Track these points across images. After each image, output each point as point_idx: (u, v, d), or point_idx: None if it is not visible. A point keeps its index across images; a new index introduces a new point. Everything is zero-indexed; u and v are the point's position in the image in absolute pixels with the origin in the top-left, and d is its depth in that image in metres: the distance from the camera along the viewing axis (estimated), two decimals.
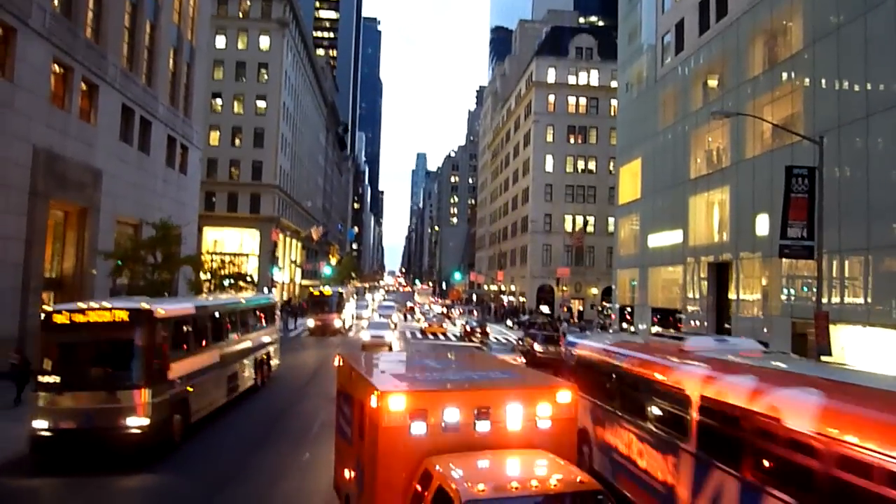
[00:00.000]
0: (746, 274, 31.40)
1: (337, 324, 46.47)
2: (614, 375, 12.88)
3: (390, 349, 35.32)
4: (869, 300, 23.12)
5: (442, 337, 50.21)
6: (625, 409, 12.23)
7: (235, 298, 24.16)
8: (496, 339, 49.54)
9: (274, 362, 26.02)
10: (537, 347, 33.86)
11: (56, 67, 27.18)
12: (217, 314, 19.49)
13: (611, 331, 45.71)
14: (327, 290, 50.89)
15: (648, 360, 11.90)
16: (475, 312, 74.85)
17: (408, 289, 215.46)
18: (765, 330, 29.32)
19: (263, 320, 25.01)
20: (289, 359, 30.99)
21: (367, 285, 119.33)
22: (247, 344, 22.09)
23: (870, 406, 7.08)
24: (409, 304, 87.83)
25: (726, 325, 32.90)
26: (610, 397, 12.97)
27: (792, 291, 27.81)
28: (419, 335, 50.57)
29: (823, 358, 18.05)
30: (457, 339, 47.59)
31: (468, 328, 48.54)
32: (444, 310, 75.80)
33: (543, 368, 22.70)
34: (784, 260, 25.07)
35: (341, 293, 49.43)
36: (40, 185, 25.62)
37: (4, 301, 23.90)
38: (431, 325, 55.48)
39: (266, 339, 24.95)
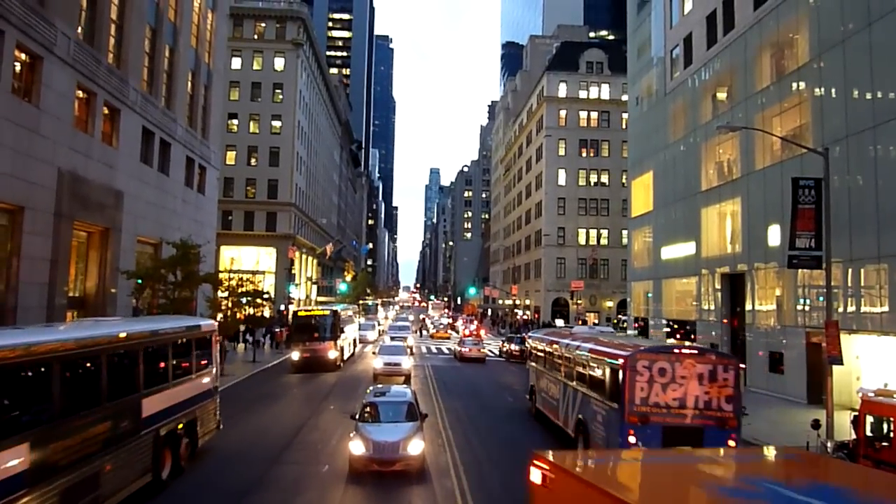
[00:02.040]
0: (760, 285, 31.47)
1: (331, 355, 34.62)
2: (542, 351, 22.90)
3: (408, 380, 29.91)
4: (885, 309, 23.19)
5: (447, 343, 57.88)
6: (547, 368, 21.85)
7: (108, 328, 13.33)
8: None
9: (209, 427, 16.35)
10: (514, 347, 44.88)
11: (80, 93, 28.03)
12: (33, 369, 9.92)
13: None
14: (319, 309, 38.95)
15: (551, 339, 22.12)
16: (475, 322, 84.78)
17: (423, 304, 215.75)
18: (783, 340, 29.39)
19: (182, 364, 15.03)
20: (247, 418, 21.23)
21: (379, 301, 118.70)
22: (132, 412, 12.47)
23: (607, 346, 16.46)
24: (422, 316, 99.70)
25: (741, 336, 32.96)
26: (541, 363, 22.74)
27: (807, 301, 27.88)
28: (433, 349, 52.62)
29: (835, 367, 18.18)
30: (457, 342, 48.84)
31: (466, 332, 60.40)
32: (450, 320, 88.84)
33: (517, 360, 41.45)
34: (798, 270, 25.22)
35: (337, 313, 36.98)
36: (64, 207, 26.36)
37: (32, 320, 24.51)
38: (438, 331, 69.72)
39: (190, 394, 15.04)
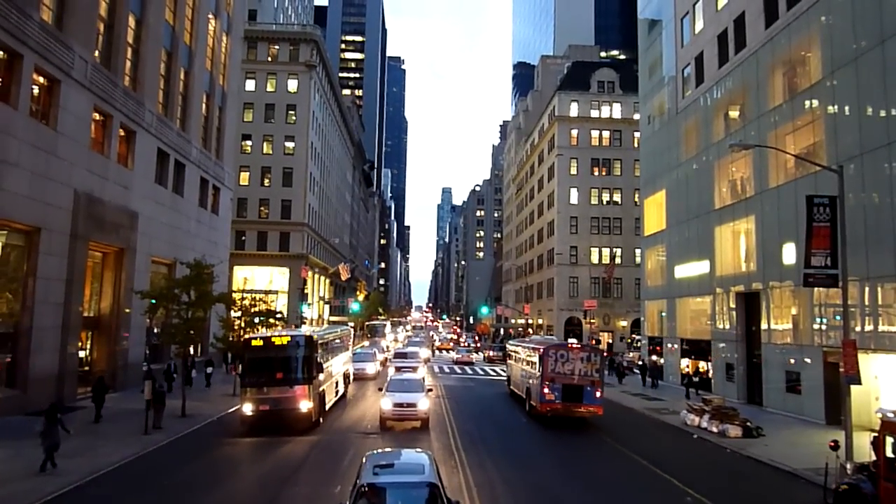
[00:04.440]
0: (776, 303, 31.14)
1: (303, 407, 22.85)
2: (514, 351, 34.69)
3: (425, 424, 23.76)
4: None
5: (450, 352, 72.42)
6: (515, 362, 33.83)
7: None
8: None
9: None
10: (493, 353, 63.81)
11: (96, 115, 28.47)
12: None
13: (638, 361, 46.54)
14: (282, 335, 25.16)
15: (517, 344, 34.87)
16: (476, 337, 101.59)
17: (436, 323, 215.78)
18: (800, 360, 28.98)
19: None
20: None
21: (388, 321, 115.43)
22: None
23: (537, 344, 28.76)
24: (431, 333, 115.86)
25: (757, 355, 32.57)
26: (513, 360, 34.79)
27: (823, 320, 27.53)
28: (445, 368, 52.91)
29: (853, 387, 17.88)
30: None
31: (467, 344, 79.62)
32: (454, 336, 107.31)
33: (495, 361, 59.46)
34: (814, 288, 24.96)
35: (312, 340, 24.27)
36: (80, 228, 26.66)
37: (46, 340, 24.73)
38: (443, 343, 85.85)
39: None
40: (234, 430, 22.96)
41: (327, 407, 26.66)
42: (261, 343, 23.86)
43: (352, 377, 37.20)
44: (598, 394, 25.26)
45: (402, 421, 23.82)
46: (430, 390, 27.51)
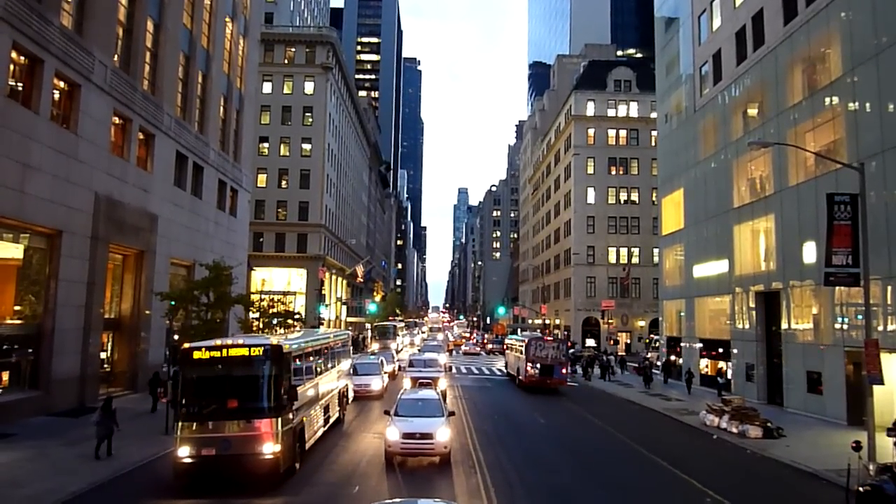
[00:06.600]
0: (796, 303, 30.79)
1: (266, 451, 15.18)
2: (510, 343, 48.19)
3: (446, 459, 17.95)
4: None
5: (462, 347, 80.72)
6: (510, 351, 46.51)
7: None
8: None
9: None
10: (492, 346, 77.87)
11: (116, 119, 28.79)
12: None
13: (658, 363, 46.44)
14: (236, 345, 16.27)
15: (511, 338, 49.13)
16: (485, 335, 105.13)
17: (452, 324, 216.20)
18: (821, 360, 28.62)
19: None
20: None
21: (403, 322, 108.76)
22: None
23: (523, 338, 41.10)
24: (446, 332, 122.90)
25: (777, 355, 32.22)
26: (509, 350, 47.73)
27: (845, 320, 27.17)
28: (463, 369, 52.71)
29: (876, 387, 17.64)
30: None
31: (475, 340, 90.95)
32: (467, 334, 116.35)
33: (493, 353, 73.83)
34: (835, 287, 24.65)
35: (280, 351, 16.18)
36: (101, 231, 26.98)
37: (69, 342, 25.05)
38: (456, 340, 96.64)
39: None
40: (163, 483, 15.54)
41: (308, 444, 18.90)
42: (206, 355, 15.94)
43: (351, 396, 28.95)
44: (563, 371, 37.09)
45: (415, 457, 18.02)
46: (453, 413, 20.12)
